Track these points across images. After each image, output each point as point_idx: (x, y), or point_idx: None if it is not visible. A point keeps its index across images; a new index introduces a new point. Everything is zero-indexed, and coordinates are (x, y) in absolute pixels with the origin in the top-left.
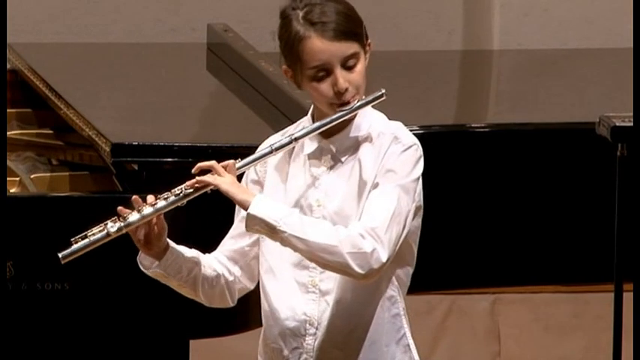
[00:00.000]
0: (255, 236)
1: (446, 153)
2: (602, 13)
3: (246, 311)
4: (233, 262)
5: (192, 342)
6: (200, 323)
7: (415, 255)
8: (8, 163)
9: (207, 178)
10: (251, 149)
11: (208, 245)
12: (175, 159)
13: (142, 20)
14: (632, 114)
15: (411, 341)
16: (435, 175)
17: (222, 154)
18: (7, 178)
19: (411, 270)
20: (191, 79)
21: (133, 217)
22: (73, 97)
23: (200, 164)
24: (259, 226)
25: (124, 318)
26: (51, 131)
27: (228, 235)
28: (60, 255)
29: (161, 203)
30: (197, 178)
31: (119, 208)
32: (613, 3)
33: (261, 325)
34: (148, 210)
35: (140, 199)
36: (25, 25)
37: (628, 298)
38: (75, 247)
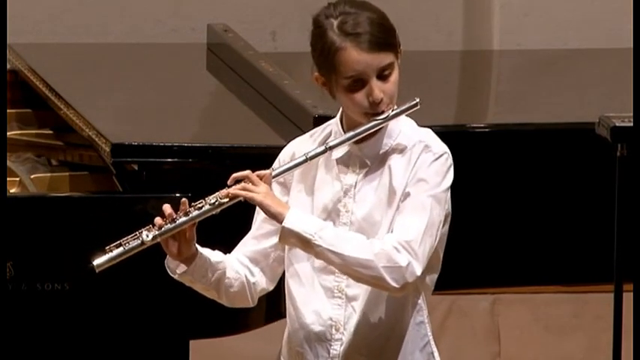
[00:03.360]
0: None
1: None
2: (602, 13)
3: (246, 312)
4: (254, 263)
5: (192, 342)
6: (200, 323)
7: (441, 260)
8: (8, 163)
9: (242, 191)
10: (251, 149)
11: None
12: (175, 159)
13: (142, 20)
14: (631, 114)
15: (434, 348)
16: None
17: (222, 154)
18: (7, 179)
19: (436, 276)
20: (191, 79)
21: (168, 226)
22: (73, 98)
23: (235, 175)
24: (294, 239)
25: (124, 318)
26: (51, 131)
27: (250, 235)
28: (94, 263)
29: (195, 212)
30: (232, 189)
31: (157, 218)
32: (613, 3)
33: (261, 325)
34: (182, 219)
35: (170, 208)
36: (24, 25)
37: (628, 298)
38: (109, 255)
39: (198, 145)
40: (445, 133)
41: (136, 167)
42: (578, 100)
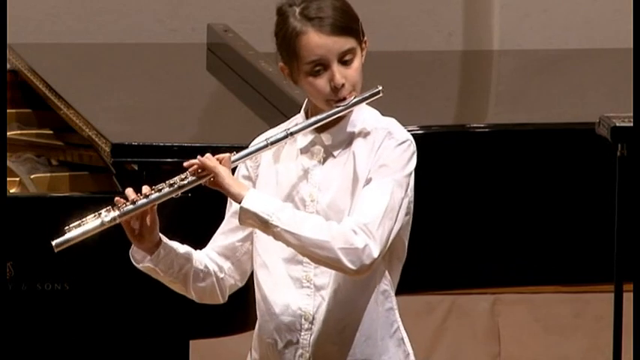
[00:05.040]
0: (247, 232)
1: (446, 153)
2: (602, 13)
3: (245, 311)
4: (224, 258)
5: (192, 342)
6: (200, 323)
7: (406, 249)
8: (8, 163)
9: (207, 161)
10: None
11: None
12: (175, 159)
13: (142, 20)
14: (632, 114)
15: (404, 334)
16: (435, 175)
17: (221, 154)
18: (7, 179)
19: (401, 264)
20: (191, 79)
21: (127, 207)
22: (73, 98)
23: (195, 159)
24: (252, 220)
25: (124, 318)
26: (51, 131)
27: (219, 231)
28: (53, 243)
29: (155, 194)
30: (197, 160)
31: (116, 198)
32: (613, 3)
33: None
34: (142, 201)
35: (133, 191)
36: (25, 25)
37: (628, 298)
38: (68, 235)
39: (198, 145)
40: (445, 133)
41: (136, 167)
42: (579, 100)
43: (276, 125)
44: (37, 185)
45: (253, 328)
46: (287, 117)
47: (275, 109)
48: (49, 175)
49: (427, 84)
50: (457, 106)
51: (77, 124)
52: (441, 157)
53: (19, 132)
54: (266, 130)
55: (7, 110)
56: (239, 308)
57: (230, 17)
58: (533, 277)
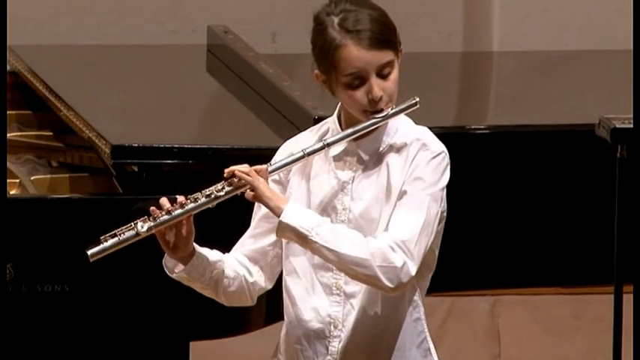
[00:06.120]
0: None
1: None
2: (602, 14)
3: (246, 313)
4: (253, 262)
5: (192, 343)
6: (200, 325)
7: (436, 258)
8: (8, 165)
9: (246, 176)
10: (251, 151)
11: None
12: (175, 161)
13: (142, 22)
14: (631, 116)
15: (431, 345)
16: None
17: (222, 155)
18: (8, 180)
19: (431, 273)
20: (191, 80)
21: (163, 217)
22: (73, 99)
23: (233, 167)
24: (290, 234)
25: (124, 319)
26: (51, 133)
27: (248, 234)
28: (89, 253)
29: (191, 205)
30: (237, 171)
31: (152, 208)
32: (613, 5)
33: (261, 326)
34: (177, 211)
35: (168, 200)
36: (25, 26)
37: (628, 299)
38: (104, 245)
39: (198, 146)
40: (445, 135)
41: (135, 169)
42: (579, 102)
43: (277, 127)
44: (37, 187)
45: (253, 330)
46: (286, 118)
47: (275, 110)
48: (49, 176)
49: (427, 85)
50: (457, 107)
51: (77, 125)
52: None
53: (19, 133)
54: (267, 133)
55: (7, 112)
56: (239, 309)
57: (230, 18)
58: (533, 278)
